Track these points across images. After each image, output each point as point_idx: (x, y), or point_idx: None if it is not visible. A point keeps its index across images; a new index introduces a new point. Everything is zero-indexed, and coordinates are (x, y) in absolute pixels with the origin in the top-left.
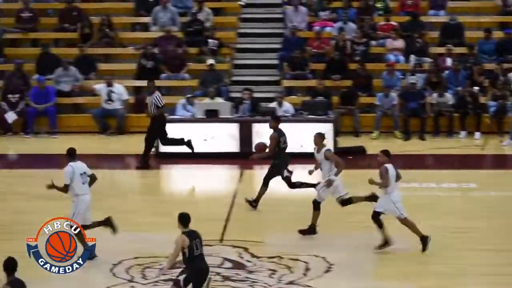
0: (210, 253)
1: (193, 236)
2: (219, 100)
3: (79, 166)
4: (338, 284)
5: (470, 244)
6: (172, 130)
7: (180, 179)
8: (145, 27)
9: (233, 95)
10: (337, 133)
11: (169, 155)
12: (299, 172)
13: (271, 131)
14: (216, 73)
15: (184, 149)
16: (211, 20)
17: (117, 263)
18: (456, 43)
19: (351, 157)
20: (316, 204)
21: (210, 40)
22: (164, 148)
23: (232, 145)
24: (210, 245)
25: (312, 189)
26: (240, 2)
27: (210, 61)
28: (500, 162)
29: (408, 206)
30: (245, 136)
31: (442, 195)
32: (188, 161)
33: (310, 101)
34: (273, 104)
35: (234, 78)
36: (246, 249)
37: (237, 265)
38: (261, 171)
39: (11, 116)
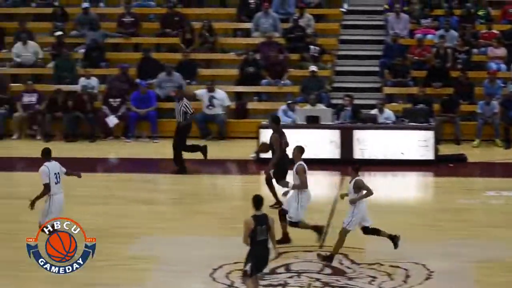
0: (310, 259)
1: (261, 221)
2: (320, 106)
3: (53, 165)
4: None
5: None
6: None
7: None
8: (246, 33)
9: (334, 101)
10: (438, 140)
11: (270, 160)
12: (399, 179)
13: (275, 133)
14: (318, 79)
15: None
16: (313, 27)
17: (217, 267)
18: None
19: (452, 165)
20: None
21: (311, 47)
22: (265, 154)
23: (332, 152)
24: (310, 251)
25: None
26: (342, 9)
27: (312, 67)
28: None
29: (509, 214)
30: (346, 142)
31: None
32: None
33: (411, 109)
34: (374, 111)
35: (335, 85)
36: (346, 256)
37: (337, 272)
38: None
39: (112, 120)
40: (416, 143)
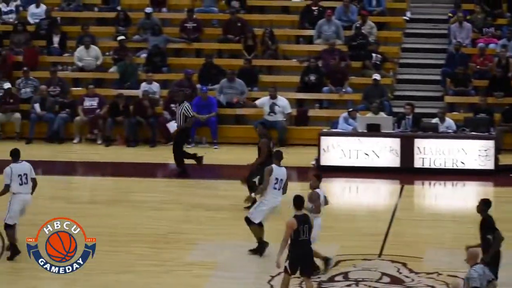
0: (368, 268)
1: (303, 220)
2: (382, 114)
3: (18, 167)
4: None
5: None
6: (333, 143)
7: (340, 193)
8: (309, 40)
9: (395, 110)
10: (498, 150)
11: (330, 168)
12: (459, 189)
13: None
14: (380, 87)
15: (345, 162)
16: (375, 34)
17: (276, 275)
18: None
19: None
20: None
21: (373, 54)
22: (325, 161)
23: (393, 160)
24: (369, 260)
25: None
26: (404, 17)
27: (375, 75)
28: None
29: None
30: (406, 151)
31: None
32: (348, 174)
33: (472, 118)
34: (435, 120)
35: (397, 93)
36: (404, 265)
37: (396, 280)
38: (422, 187)
39: (173, 126)
40: (476, 152)
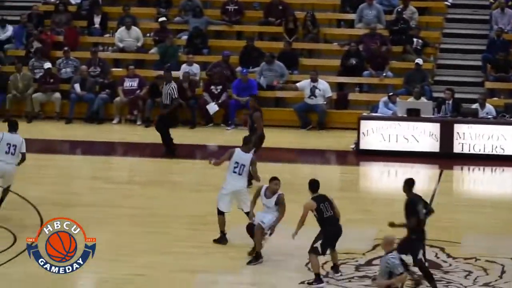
0: None
1: (321, 199)
2: (422, 99)
3: (9, 137)
4: None
5: None
6: (373, 127)
7: (378, 177)
8: (350, 24)
9: (436, 95)
10: None
11: (369, 152)
12: (498, 175)
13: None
14: (421, 72)
15: (385, 146)
16: (416, 19)
17: None
18: None
19: None
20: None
21: (414, 39)
22: (364, 145)
23: (432, 145)
24: None
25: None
26: (446, 2)
27: (418, 60)
28: None
29: None
30: (446, 136)
31: None
32: (388, 158)
33: None
34: (475, 106)
35: (437, 78)
36: (442, 249)
37: (433, 265)
38: (461, 173)
39: (213, 108)
40: None
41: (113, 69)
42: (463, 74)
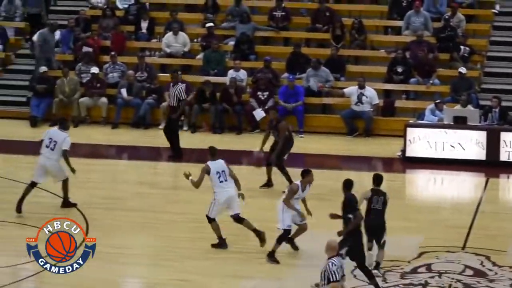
0: (451, 260)
1: (376, 193)
2: (469, 107)
3: (53, 132)
4: None
5: None
6: (419, 134)
7: (424, 184)
8: (397, 31)
9: (482, 103)
10: None
11: (415, 159)
12: None
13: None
14: (467, 80)
15: (431, 153)
16: (463, 27)
17: None
18: None
19: None
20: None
21: (461, 47)
22: (411, 152)
23: (478, 153)
24: (452, 252)
25: None
26: (493, 10)
27: (461, 69)
28: None
29: None
30: (492, 144)
31: None
32: (434, 166)
33: None
34: None
35: (484, 86)
36: (488, 258)
37: (479, 273)
38: (507, 181)
39: (259, 113)
40: None
41: (160, 74)
42: (510, 82)
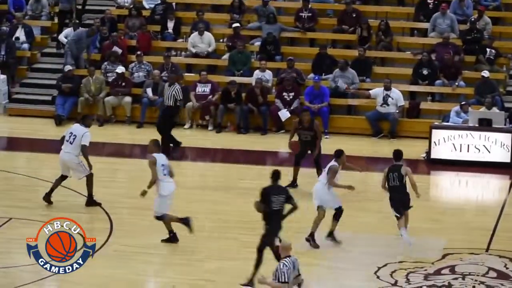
0: (475, 262)
1: (392, 169)
2: (494, 109)
3: (74, 127)
4: None
5: None
6: (444, 136)
7: (449, 186)
8: (423, 33)
9: (508, 105)
10: None
11: (440, 161)
12: None
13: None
14: (490, 83)
15: (456, 155)
16: (489, 30)
17: (382, 265)
18: None
19: None
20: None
21: (487, 49)
22: (435, 154)
23: (503, 155)
24: (476, 254)
25: None
26: None
27: (484, 73)
28: None
29: None
30: None
31: None
32: (458, 168)
33: None
34: None
35: (510, 89)
36: (511, 260)
37: (502, 276)
38: None
39: (284, 114)
40: None
41: (186, 74)
42: None
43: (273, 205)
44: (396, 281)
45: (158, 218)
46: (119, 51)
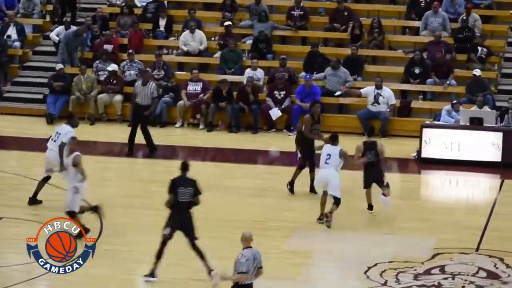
0: (465, 261)
1: (369, 147)
2: (485, 108)
3: (61, 126)
4: None
5: None
6: (435, 135)
7: (439, 185)
8: (415, 31)
9: (499, 104)
10: None
11: (431, 160)
12: None
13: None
14: (481, 82)
15: (447, 154)
16: (479, 27)
17: (372, 265)
18: None
19: None
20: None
21: (479, 48)
22: (426, 153)
23: (494, 154)
24: (466, 253)
25: None
26: (511, 11)
27: (475, 71)
28: None
29: None
30: (508, 145)
31: None
32: (449, 167)
33: None
34: None
35: (501, 87)
36: (501, 260)
37: (492, 275)
38: None
39: (275, 113)
40: None
41: (177, 72)
42: None
43: (179, 196)
44: (386, 281)
45: (72, 215)
46: (111, 47)
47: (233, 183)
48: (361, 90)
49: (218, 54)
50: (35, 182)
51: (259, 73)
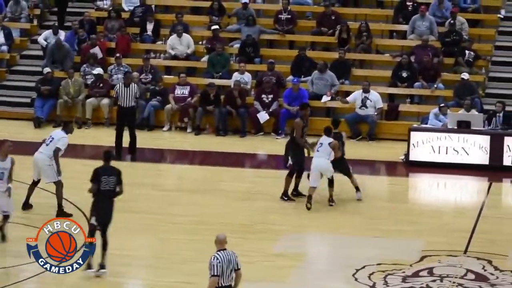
0: (453, 264)
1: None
2: (473, 112)
3: (55, 131)
4: None
5: None
6: (423, 138)
7: (427, 188)
8: (402, 35)
9: (487, 107)
10: None
11: (419, 163)
12: None
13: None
14: (469, 85)
15: (434, 158)
16: (466, 30)
17: (360, 268)
18: None
19: None
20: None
21: (466, 52)
22: (414, 156)
23: (482, 157)
24: (454, 256)
25: None
26: (499, 15)
27: (463, 75)
28: None
29: None
30: (496, 149)
31: None
32: (437, 170)
33: None
34: None
35: (488, 91)
36: (490, 262)
37: (480, 278)
38: (510, 186)
39: (263, 116)
40: None
41: (165, 76)
42: None
43: (102, 185)
44: (374, 283)
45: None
46: (98, 51)
47: (221, 186)
48: (347, 99)
49: (205, 58)
50: (23, 186)
51: (247, 76)
